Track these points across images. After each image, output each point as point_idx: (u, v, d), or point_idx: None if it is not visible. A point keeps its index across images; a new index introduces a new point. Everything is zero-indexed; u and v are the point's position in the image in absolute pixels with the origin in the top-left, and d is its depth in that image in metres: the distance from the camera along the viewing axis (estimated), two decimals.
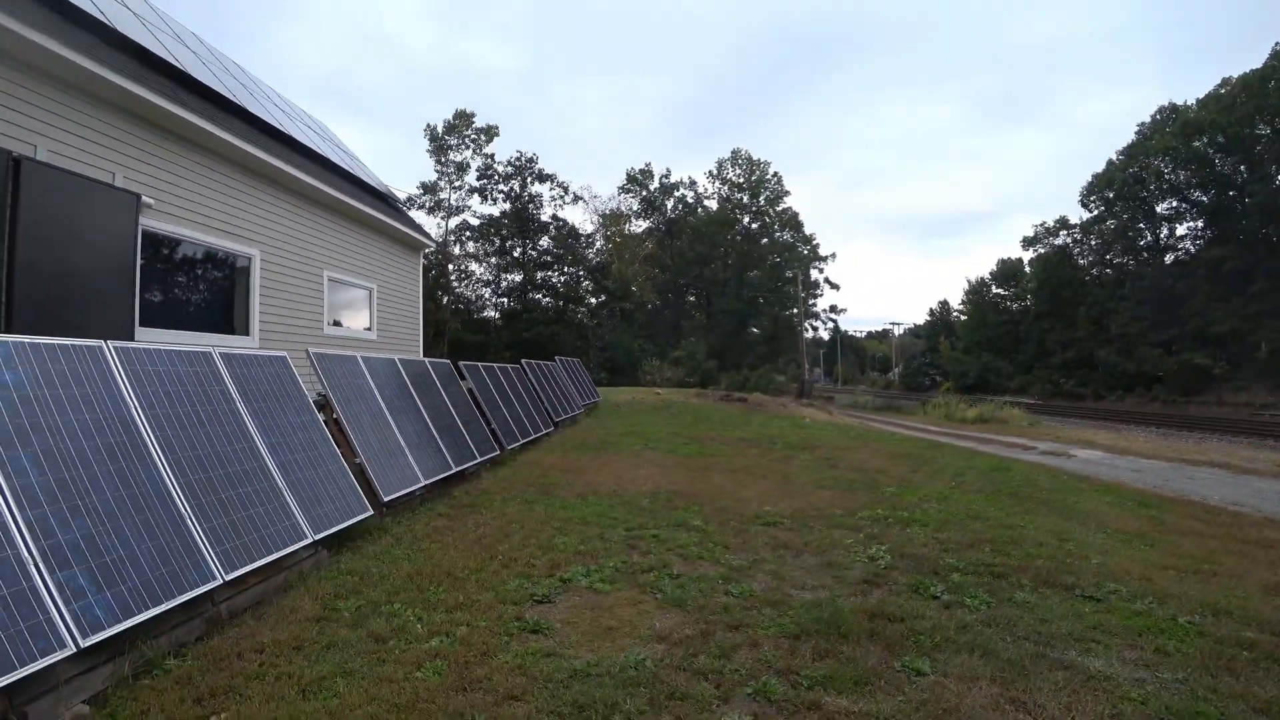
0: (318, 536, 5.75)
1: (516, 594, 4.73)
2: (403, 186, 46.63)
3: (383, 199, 15.49)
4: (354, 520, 6.26)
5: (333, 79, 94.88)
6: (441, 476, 8.42)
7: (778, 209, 61.82)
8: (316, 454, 6.41)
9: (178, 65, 10.09)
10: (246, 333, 10.81)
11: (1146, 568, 5.19)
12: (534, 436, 12.72)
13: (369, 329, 14.07)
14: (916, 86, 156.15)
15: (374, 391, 8.08)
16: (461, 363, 11.75)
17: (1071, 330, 54.20)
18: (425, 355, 12.22)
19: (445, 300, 44.23)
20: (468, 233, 46.34)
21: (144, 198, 8.57)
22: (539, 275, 47.18)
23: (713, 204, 62.79)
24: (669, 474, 9.96)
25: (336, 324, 13.07)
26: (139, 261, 8.60)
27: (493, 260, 46.91)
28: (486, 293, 47.06)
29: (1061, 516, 7.46)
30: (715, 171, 62.26)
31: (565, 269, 48.73)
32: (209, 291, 10.52)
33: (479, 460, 9.65)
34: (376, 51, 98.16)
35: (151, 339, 8.78)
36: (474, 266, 46.76)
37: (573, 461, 10.99)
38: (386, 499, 7.06)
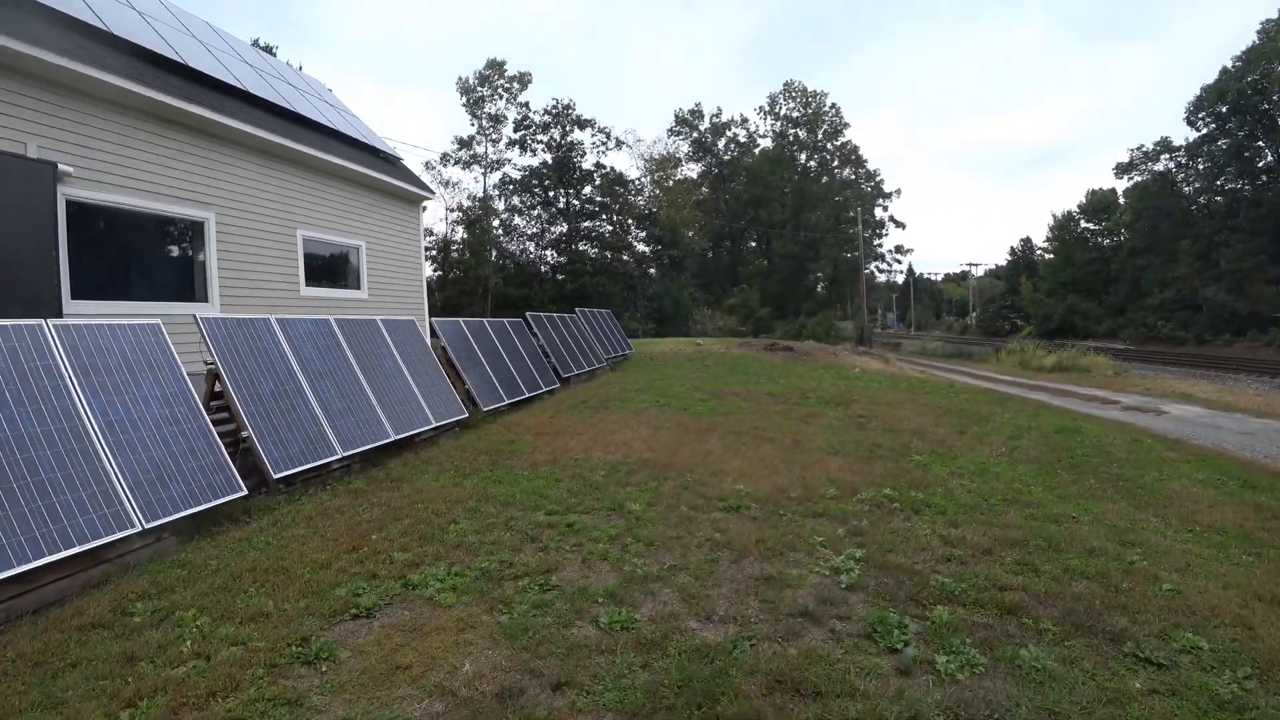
0: (152, 524, 4.84)
1: (338, 603, 3.79)
2: (447, 147, 45.58)
3: (372, 152, 14.34)
4: (213, 503, 5.34)
5: (396, 45, 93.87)
6: (374, 445, 7.35)
7: (837, 143, 57.44)
8: (178, 430, 5.43)
9: (100, 26, 9.20)
10: (205, 299, 10.03)
11: (1246, 601, 3.44)
12: (527, 395, 11.55)
13: (358, 289, 13.10)
14: (1002, 8, 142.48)
15: (287, 357, 7.02)
16: (438, 319, 10.65)
17: (1171, 267, 48.58)
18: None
19: (494, 255, 43.49)
20: (510, 186, 45.12)
21: (61, 166, 8.05)
22: (584, 225, 45.63)
23: (767, 142, 59.00)
24: (657, 438, 8.59)
25: (317, 285, 12.12)
26: (63, 233, 8.09)
27: (534, 212, 45.62)
28: (531, 246, 45.99)
29: (1133, 502, 5.67)
30: (768, 107, 58.04)
31: (613, 217, 47.00)
32: (156, 259, 9.80)
33: (435, 425, 8.54)
34: (438, 13, 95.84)
35: (88, 312, 8.11)
36: (517, 220, 45.66)
37: (558, 423, 9.76)
38: (278, 475, 6.07)
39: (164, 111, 9.19)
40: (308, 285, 11.76)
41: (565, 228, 45.01)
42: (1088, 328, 54.29)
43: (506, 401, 10.69)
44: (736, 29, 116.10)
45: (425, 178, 46.02)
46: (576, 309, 18.56)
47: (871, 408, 11.57)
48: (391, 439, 7.65)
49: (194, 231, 9.97)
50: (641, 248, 48.39)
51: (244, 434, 6.17)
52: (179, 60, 10.25)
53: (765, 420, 10.19)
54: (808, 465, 7.08)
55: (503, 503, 5.81)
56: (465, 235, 43.85)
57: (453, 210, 44.29)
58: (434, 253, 42.43)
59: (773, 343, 26.60)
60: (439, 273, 43.84)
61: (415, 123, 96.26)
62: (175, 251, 9.98)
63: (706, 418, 10.35)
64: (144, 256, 9.56)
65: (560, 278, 42.11)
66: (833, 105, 56.63)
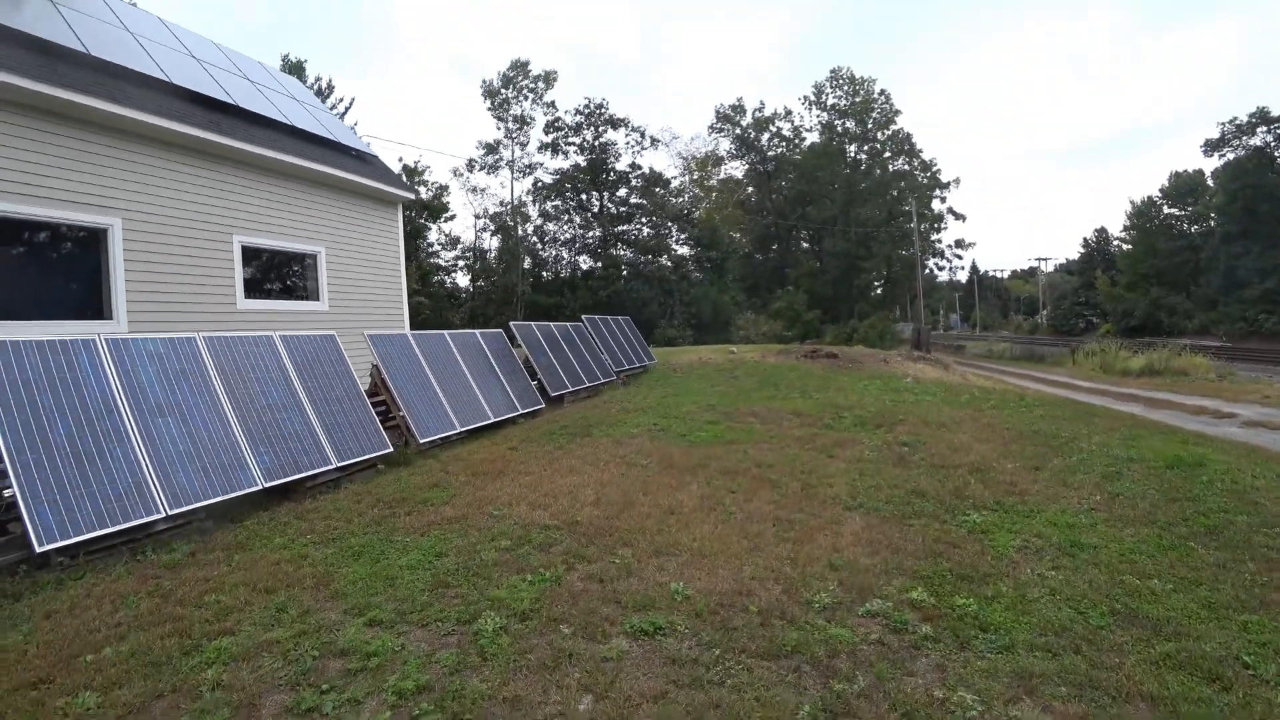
0: None
1: None
2: (473, 153, 44.46)
3: (340, 150, 12.80)
4: None
5: (426, 54, 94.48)
6: (230, 497, 5.61)
7: (888, 133, 53.83)
8: None
9: None
10: (109, 316, 8.61)
11: None
12: (493, 420, 9.70)
13: (317, 300, 11.52)
14: None
15: (110, 389, 5.37)
16: (374, 334, 8.92)
17: (1273, 253, 43.41)
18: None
19: (527, 263, 42.22)
20: (542, 190, 43.68)
21: None
22: (619, 229, 43.82)
23: (814, 136, 55.86)
24: (621, 481, 6.58)
25: (261, 297, 10.59)
26: None
27: (567, 217, 44.06)
28: (565, 252, 44.43)
29: None
30: (814, 97, 54.76)
31: (651, 219, 45.05)
32: (43, 273, 8.40)
33: (339, 465, 6.76)
34: (466, 21, 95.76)
35: None
36: (549, 225, 44.18)
37: (511, 458, 7.85)
38: (48, 546, 4.44)
39: (43, 103, 7.82)
40: (248, 298, 10.23)
41: (599, 232, 43.31)
42: (1175, 324, 49.25)
43: (459, 430, 8.84)
44: (780, 21, 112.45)
45: (453, 185, 45.10)
46: (584, 316, 16.69)
47: (920, 431, 9.27)
48: (259, 487, 5.89)
49: (94, 240, 8.55)
50: (682, 250, 46.30)
51: (6, 492, 4.51)
52: (79, 49, 8.86)
53: (777, 452, 8.04)
54: (809, 533, 4.94)
55: (330, 595, 3.98)
56: (493, 242, 42.77)
57: (480, 217, 43.23)
58: (462, 263, 41.51)
59: (814, 349, 24.07)
60: (477, 283, 42.87)
61: (449, 131, 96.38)
62: (69, 264, 8.55)
63: (702, 449, 8.26)
64: (26, 270, 8.15)
65: (593, 284, 40.40)
66: (882, 92, 53.12)
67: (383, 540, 5.03)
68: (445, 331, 10.11)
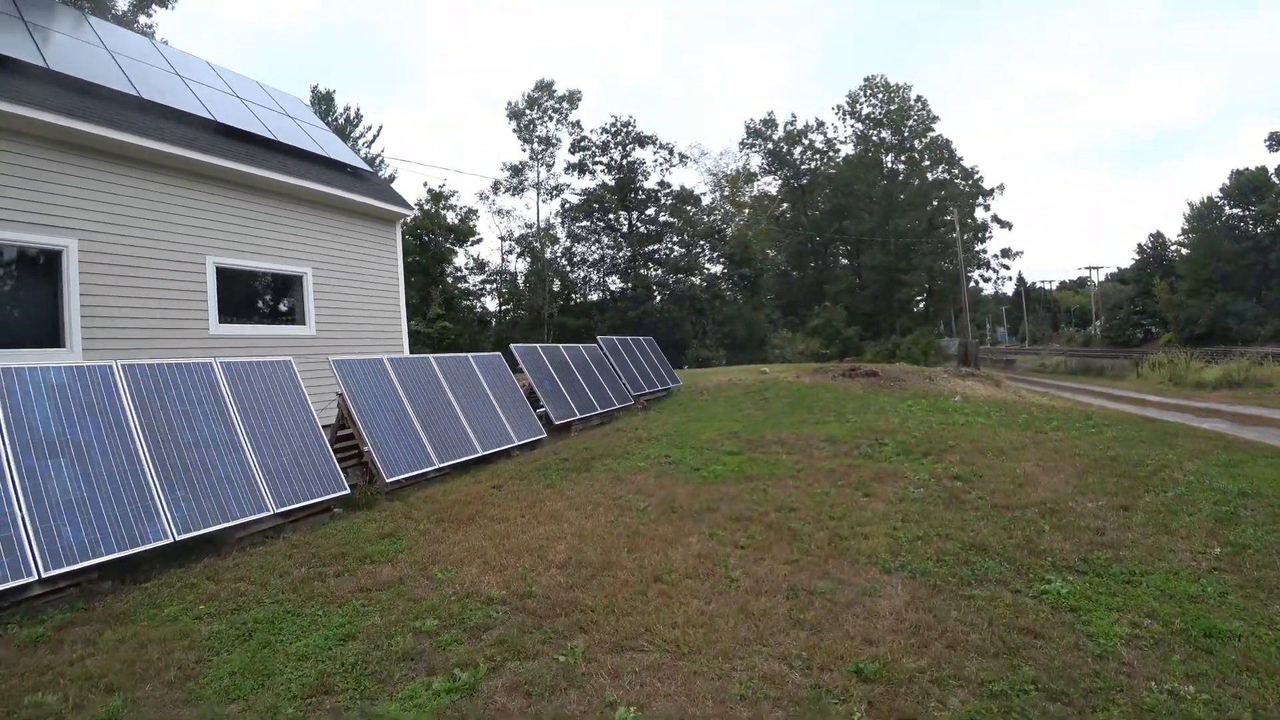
0: None
1: None
2: (499, 175, 44.16)
3: (335, 166, 12.10)
4: None
5: (456, 79, 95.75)
6: (131, 553, 4.65)
7: (925, 140, 51.84)
8: None
9: None
10: (61, 344, 7.88)
11: None
12: (482, 454, 8.67)
13: (303, 324, 10.71)
14: None
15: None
16: (343, 359, 8.01)
17: None
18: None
19: (557, 285, 41.60)
20: (570, 211, 43.07)
21: None
22: (648, 248, 42.88)
23: (849, 149, 54.21)
24: (608, 531, 5.45)
25: (239, 321, 9.83)
26: None
27: (594, 238, 43.31)
28: (593, 274, 43.60)
29: None
30: (847, 107, 53.15)
31: (682, 237, 44.02)
32: None
33: (279, 511, 5.77)
34: (490, 45, 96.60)
35: None
36: (578, 247, 43.47)
37: (490, 500, 6.78)
38: None
39: None
40: (222, 322, 9.46)
41: (629, 252, 42.43)
42: (1245, 331, 45.79)
43: (437, 466, 7.82)
44: (807, 32, 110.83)
45: (480, 208, 44.48)
46: (599, 338, 15.65)
47: (974, 460, 7.94)
48: (169, 541, 4.92)
49: (47, 263, 7.87)
50: (715, 269, 45.06)
51: None
52: (40, 64, 8.31)
53: (803, 490, 6.80)
54: (832, 612, 3.73)
55: (182, 698, 3.15)
56: (520, 265, 42.36)
57: (506, 239, 42.84)
58: (489, 287, 41.11)
59: (853, 367, 22.53)
60: (505, 307, 42.40)
61: (475, 157, 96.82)
62: (19, 288, 7.89)
63: (714, 487, 7.07)
64: None
65: (623, 304, 39.46)
66: (919, 98, 51.19)
67: (290, 613, 4.00)
68: (430, 356, 9.17)
